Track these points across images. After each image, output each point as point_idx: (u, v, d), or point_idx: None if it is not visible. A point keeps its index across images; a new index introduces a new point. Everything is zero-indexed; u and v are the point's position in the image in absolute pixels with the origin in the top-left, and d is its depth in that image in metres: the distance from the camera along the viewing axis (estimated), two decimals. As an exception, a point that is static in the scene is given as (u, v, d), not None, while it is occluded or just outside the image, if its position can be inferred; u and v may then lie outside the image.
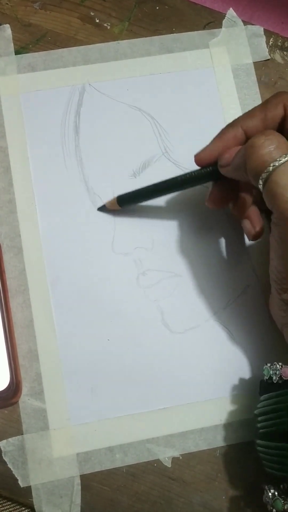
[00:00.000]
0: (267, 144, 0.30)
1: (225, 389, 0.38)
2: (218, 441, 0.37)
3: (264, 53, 0.44)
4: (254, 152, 0.31)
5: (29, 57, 0.42)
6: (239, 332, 0.39)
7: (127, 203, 0.39)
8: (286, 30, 0.48)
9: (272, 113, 0.33)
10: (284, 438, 0.31)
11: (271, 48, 0.44)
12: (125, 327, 0.39)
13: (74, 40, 0.43)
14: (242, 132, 0.34)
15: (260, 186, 0.31)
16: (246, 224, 0.37)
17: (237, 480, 0.37)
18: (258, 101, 0.43)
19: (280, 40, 0.44)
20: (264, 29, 0.44)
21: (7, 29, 0.43)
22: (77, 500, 0.36)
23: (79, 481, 0.36)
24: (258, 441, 0.33)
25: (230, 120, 0.42)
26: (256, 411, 0.34)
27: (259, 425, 0.34)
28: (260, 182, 0.31)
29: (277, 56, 0.44)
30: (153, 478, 0.37)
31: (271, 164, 0.30)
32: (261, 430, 0.33)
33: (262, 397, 0.34)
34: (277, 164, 0.30)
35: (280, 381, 0.33)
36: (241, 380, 0.38)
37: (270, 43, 0.44)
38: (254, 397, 0.38)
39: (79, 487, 0.36)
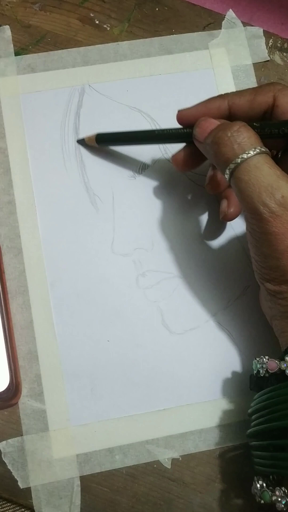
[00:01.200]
0: (232, 140, 0.31)
1: (225, 390, 0.38)
2: (217, 442, 0.37)
3: (263, 54, 0.44)
4: (219, 149, 0.31)
5: (29, 58, 0.42)
6: (239, 333, 0.39)
7: (104, 142, 0.40)
8: (285, 31, 0.49)
9: (261, 98, 0.34)
10: (276, 435, 0.31)
11: (271, 49, 0.44)
12: (125, 328, 0.39)
13: (74, 41, 0.43)
14: (227, 106, 0.35)
15: (227, 179, 0.31)
16: (223, 203, 0.37)
17: (237, 481, 0.37)
18: (257, 102, 0.43)
19: (279, 41, 0.44)
20: (264, 30, 0.44)
21: (7, 30, 0.43)
22: (77, 501, 0.36)
23: (79, 482, 0.36)
24: (251, 442, 0.34)
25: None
26: (249, 410, 0.34)
27: (252, 423, 0.34)
28: (226, 176, 0.31)
29: (277, 57, 0.44)
30: (152, 479, 0.37)
31: (233, 161, 0.30)
32: (253, 429, 0.33)
33: (254, 397, 0.34)
34: (239, 161, 0.30)
35: (267, 375, 0.33)
36: (241, 381, 0.38)
37: (270, 44, 0.44)
38: (253, 398, 0.38)
39: (79, 488, 0.36)
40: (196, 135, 0.34)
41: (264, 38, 0.44)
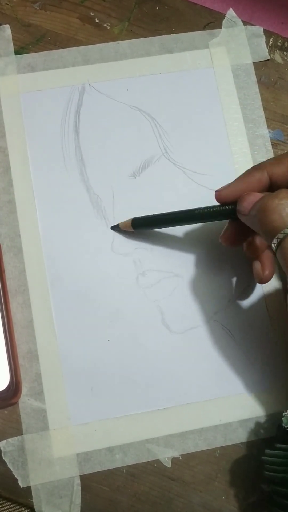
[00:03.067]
0: (280, 208, 0.30)
1: (225, 389, 0.38)
2: (218, 441, 0.37)
3: (264, 53, 0.44)
4: (267, 216, 0.30)
5: (29, 57, 0.42)
6: (239, 332, 0.39)
7: (141, 227, 0.39)
8: (286, 30, 0.48)
9: None
10: None
11: (271, 48, 0.44)
12: (125, 327, 0.39)
13: (74, 40, 0.43)
14: (267, 177, 0.33)
15: (273, 249, 0.30)
16: (256, 265, 0.36)
17: (237, 480, 0.37)
18: (258, 101, 0.43)
19: (280, 40, 0.44)
20: (264, 29, 0.44)
21: (7, 29, 0.43)
22: (77, 500, 0.36)
23: (79, 481, 0.36)
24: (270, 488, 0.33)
25: (229, 120, 0.42)
26: (266, 458, 0.34)
27: (272, 473, 0.33)
28: (273, 246, 0.30)
29: (277, 56, 0.44)
30: (153, 478, 0.37)
31: (283, 231, 0.29)
32: (275, 484, 0.33)
33: (276, 447, 0.34)
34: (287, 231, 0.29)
35: None
36: (241, 380, 0.38)
37: (270, 43, 0.44)
38: (253, 397, 0.38)
39: (79, 487, 0.36)
40: (241, 210, 0.33)
41: (264, 37, 0.44)
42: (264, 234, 0.31)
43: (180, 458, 0.37)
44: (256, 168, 0.34)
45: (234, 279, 0.40)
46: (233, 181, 0.34)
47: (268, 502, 0.34)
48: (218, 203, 0.35)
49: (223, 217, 0.35)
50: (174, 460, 0.37)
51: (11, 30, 0.43)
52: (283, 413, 0.34)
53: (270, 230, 0.30)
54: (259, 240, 0.36)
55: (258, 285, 0.40)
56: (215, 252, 0.40)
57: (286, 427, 0.33)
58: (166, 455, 0.37)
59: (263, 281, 0.36)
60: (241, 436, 0.37)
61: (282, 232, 0.29)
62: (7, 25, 0.43)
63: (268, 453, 0.34)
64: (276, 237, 0.29)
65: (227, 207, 0.34)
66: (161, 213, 0.38)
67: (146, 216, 0.39)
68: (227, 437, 0.37)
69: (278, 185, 0.33)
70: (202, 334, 0.39)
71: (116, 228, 0.40)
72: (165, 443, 0.37)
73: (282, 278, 0.40)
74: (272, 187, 0.33)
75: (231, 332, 0.39)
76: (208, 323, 0.39)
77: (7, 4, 0.43)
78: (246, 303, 0.40)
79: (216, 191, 0.35)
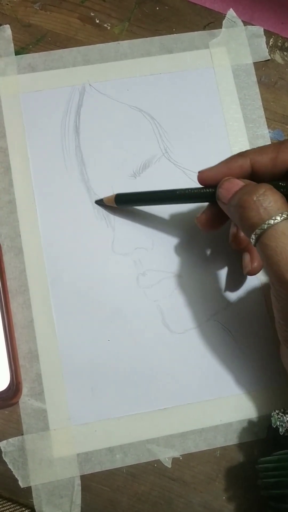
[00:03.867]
0: (258, 205, 0.30)
1: (225, 389, 0.38)
2: (218, 441, 0.37)
3: (264, 53, 0.44)
4: (245, 212, 0.30)
5: (29, 58, 0.42)
6: (239, 332, 0.39)
7: (124, 203, 0.39)
8: (286, 30, 0.49)
9: (284, 155, 0.33)
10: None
11: (271, 49, 0.44)
12: (125, 327, 0.39)
13: (74, 41, 0.43)
14: (249, 164, 0.33)
15: (253, 243, 0.30)
16: (245, 257, 0.36)
17: (237, 480, 0.37)
18: (258, 101, 0.43)
19: (280, 41, 0.44)
20: (264, 30, 0.44)
21: (7, 30, 0.43)
22: (78, 500, 0.36)
23: (79, 481, 0.36)
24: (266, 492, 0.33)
25: (230, 120, 0.42)
26: (262, 464, 0.34)
27: (264, 479, 0.33)
28: (252, 241, 0.30)
29: (277, 57, 0.44)
30: (153, 478, 0.37)
31: (260, 227, 0.29)
32: (267, 488, 0.33)
33: (273, 453, 0.34)
34: (265, 227, 0.29)
35: (286, 434, 0.32)
36: (241, 381, 0.38)
37: (270, 43, 0.44)
38: (254, 397, 0.38)
39: (79, 487, 0.36)
40: (220, 196, 0.33)
41: (264, 37, 0.44)
42: (243, 229, 0.31)
43: (181, 458, 0.37)
44: (240, 154, 0.34)
45: (234, 280, 0.40)
46: (216, 164, 0.35)
47: (265, 507, 0.34)
48: (200, 186, 0.35)
49: (203, 199, 0.36)
50: (174, 460, 0.37)
51: (11, 30, 0.43)
52: (272, 413, 0.34)
53: (248, 226, 0.30)
54: (242, 233, 0.36)
55: (258, 285, 0.40)
56: (215, 252, 0.40)
57: (275, 426, 0.34)
58: (166, 455, 0.37)
59: (251, 272, 0.36)
60: (241, 436, 0.37)
61: (260, 227, 0.30)
62: (7, 25, 0.43)
63: (261, 461, 0.34)
64: (254, 233, 0.30)
65: (207, 190, 0.35)
66: (144, 191, 0.38)
67: (129, 192, 0.39)
68: (227, 437, 0.37)
69: (259, 174, 0.34)
70: (202, 334, 0.39)
71: (100, 202, 0.40)
72: (166, 443, 0.37)
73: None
74: (254, 175, 0.34)
75: (231, 332, 0.39)
76: (208, 323, 0.39)
77: (7, 4, 0.43)
78: (246, 303, 0.40)
79: (198, 172, 0.35)
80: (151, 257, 0.40)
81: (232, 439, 0.37)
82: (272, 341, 0.39)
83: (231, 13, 0.44)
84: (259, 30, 0.44)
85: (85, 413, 0.37)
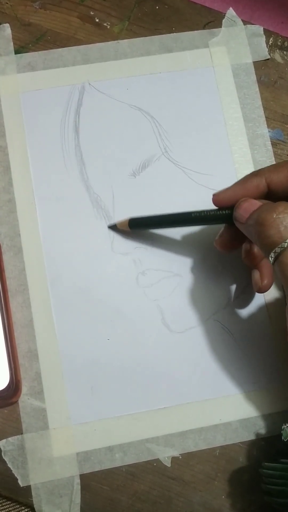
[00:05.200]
0: (278, 222, 0.29)
1: (225, 388, 0.38)
2: (217, 440, 0.37)
3: (264, 52, 0.44)
4: (264, 231, 0.30)
5: (28, 57, 0.42)
6: (239, 331, 0.39)
7: (138, 227, 0.39)
8: (285, 29, 0.49)
9: None
10: None
11: (271, 48, 0.44)
12: (125, 327, 0.39)
13: (74, 40, 0.43)
14: (265, 184, 0.33)
15: (271, 262, 0.30)
16: (255, 274, 0.36)
17: (237, 480, 0.37)
18: (258, 100, 0.43)
19: (280, 40, 0.44)
20: (264, 29, 0.44)
21: (7, 29, 0.42)
22: (77, 499, 0.36)
23: (79, 480, 0.36)
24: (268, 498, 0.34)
25: (229, 120, 0.42)
26: (264, 471, 0.34)
27: (271, 486, 0.33)
28: (270, 259, 0.30)
29: (277, 56, 0.44)
30: (152, 477, 0.37)
31: (280, 246, 0.29)
32: (273, 495, 0.33)
33: (283, 461, 0.34)
34: (285, 246, 0.29)
35: None
36: (241, 380, 0.38)
37: (270, 42, 0.44)
38: (253, 396, 0.38)
39: (79, 486, 0.36)
40: (238, 217, 0.33)
41: (264, 37, 0.44)
42: (262, 247, 0.31)
43: (180, 457, 0.37)
44: (254, 174, 0.34)
45: (234, 279, 0.40)
46: (231, 186, 0.34)
47: (265, 507, 0.34)
48: (216, 207, 0.35)
49: (219, 221, 0.35)
50: (174, 459, 0.37)
51: (11, 29, 0.42)
52: (283, 427, 0.34)
53: (267, 244, 0.30)
54: (257, 249, 0.36)
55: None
56: (215, 252, 0.40)
57: (286, 440, 0.34)
58: (166, 455, 0.37)
59: (262, 290, 0.36)
60: (240, 436, 0.37)
61: (280, 246, 0.29)
62: (7, 24, 0.43)
63: (266, 466, 0.34)
64: (273, 251, 0.29)
65: (224, 212, 0.34)
66: (158, 214, 0.38)
67: (143, 216, 0.39)
68: (227, 437, 0.37)
69: (275, 193, 0.33)
70: (202, 333, 0.39)
71: (113, 227, 0.40)
72: (165, 442, 0.37)
73: (280, 287, 0.40)
74: (270, 194, 0.33)
75: (231, 332, 0.39)
76: (208, 322, 0.39)
77: (7, 3, 0.43)
78: (246, 302, 0.40)
79: (213, 195, 0.35)
80: (151, 256, 0.40)
81: (231, 439, 0.37)
82: (272, 341, 0.39)
83: (231, 12, 0.44)
84: (259, 29, 0.44)
85: (84, 412, 0.37)
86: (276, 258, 0.29)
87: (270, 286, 0.36)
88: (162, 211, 0.40)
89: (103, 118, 0.42)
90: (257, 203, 0.32)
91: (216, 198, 0.35)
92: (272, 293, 0.40)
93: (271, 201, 0.33)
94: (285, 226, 0.29)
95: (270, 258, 0.30)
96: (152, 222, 0.39)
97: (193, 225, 0.39)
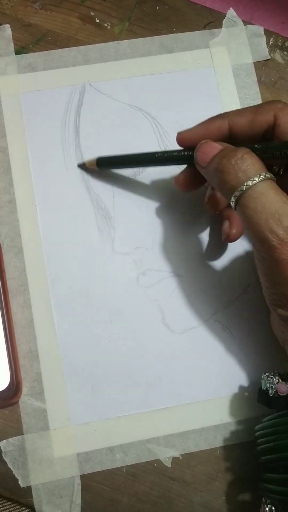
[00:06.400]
0: (236, 168, 0.30)
1: (225, 389, 0.38)
2: (218, 441, 0.37)
3: (264, 53, 0.44)
4: (223, 176, 0.31)
5: (29, 57, 0.42)
6: (239, 332, 0.39)
7: (105, 166, 0.40)
8: (286, 30, 0.49)
9: (262, 117, 0.33)
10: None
11: (271, 48, 0.44)
12: (125, 327, 0.39)
13: (74, 40, 0.43)
14: (227, 127, 0.34)
15: (233, 206, 0.31)
16: (225, 224, 0.37)
17: (238, 480, 0.37)
18: (258, 100, 0.43)
19: (280, 40, 0.44)
20: (264, 29, 0.44)
21: (7, 29, 0.43)
22: (78, 500, 0.36)
23: (80, 481, 0.36)
24: (263, 475, 0.33)
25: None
26: (257, 431, 0.34)
27: (260, 446, 0.33)
28: (232, 204, 0.31)
29: (277, 56, 0.44)
30: (153, 478, 0.37)
31: (239, 189, 0.30)
32: (263, 455, 0.33)
33: (263, 420, 0.34)
34: (244, 189, 0.30)
35: (276, 395, 0.33)
36: (241, 380, 0.38)
37: (270, 43, 0.44)
38: (254, 397, 0.38)
39: (80, 487, 0.36)
40: (198, 159, 0.33)
41: (264, 37, 0.44)
42: (223, 193, 0.32)
43: (181, 458, 0.37)
44: (218, 116, 0.35)
45: (234, 279, 0.40)
46: (195, 126, 0.35)
47: (260, 476, 0.34)
48: (180, 148, 0.36)
49: (181, 162, 0.36)
50: (174, 460, 0.37)
51: (12, 30, 0.43)
52: (262, 376, 0.35)
53: (227, 189, 0.31)
54: (219, 194, 0.37)
55: (258, 285, 0.40)
56: (215, 252, 0.40)
57: (264, 388, 0.34)
58: (166, 455, 0.37)
59: (230, 239, 0.36)
60: (241, 436, 0.37)
61: (239, 189, 0.30)
62: (8, 25, 0.43)
63: (258, 428, 0.34)
64: (233, 195, 0.30)
65: (186, 153, 0.35)
66: (124, 154, 0.39)
67: (110, 155, 0.39)
68: (227, 437, 0.37)
69: (236, 136, 0.34)
70: (202, 333, 0.39)
71: (82, 166, 0.41)
72: (166, 442, 0.37)
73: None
74: (232, 137, 0.34)
75: (231, 332, 0.39)
76: (208, 322, 0.39)
77: (7, 4, 0.43)
78: (246, 303, 0.40)
79: (177, 133, 0.35)
80: (152, 256, 0.40)
81: (232, 439, 0.37)
82: (272, 341, 0.39)
83: (231, 12, 0.44)
84: (259, 29, 0.44)
85: (85, 412, 0.37)
86: (236, 202, 0.30)
87: (239, 236, 0.37)
88: (162, 211, 0.40)
89: (104, 119, 0.42)
90: (217, 146, 0.33)
91: (179, 137, 0.35)
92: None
93: (233, 145, 0.33)
94: (243, 171, 0.30)
95: (231, 203, 0.31)
96: (119, 161, 0.39)
97: (158, 165, 0.39)
